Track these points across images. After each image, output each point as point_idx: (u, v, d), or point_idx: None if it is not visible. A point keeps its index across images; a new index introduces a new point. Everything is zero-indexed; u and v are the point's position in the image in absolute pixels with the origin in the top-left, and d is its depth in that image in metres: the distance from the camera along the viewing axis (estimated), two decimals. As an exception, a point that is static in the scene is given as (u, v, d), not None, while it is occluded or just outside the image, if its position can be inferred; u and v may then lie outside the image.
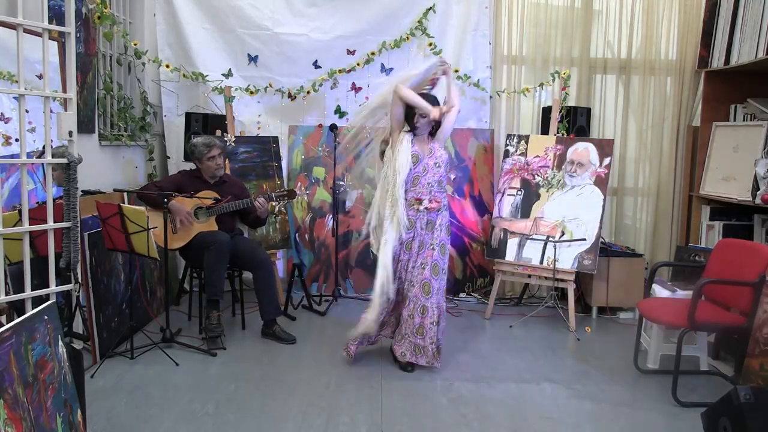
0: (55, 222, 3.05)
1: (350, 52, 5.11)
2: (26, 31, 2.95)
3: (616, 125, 5.22)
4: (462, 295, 5.12)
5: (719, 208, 4.50)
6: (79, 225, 3.14)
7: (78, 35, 3.76)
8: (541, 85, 5.13)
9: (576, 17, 5.10)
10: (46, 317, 2.07)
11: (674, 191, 5.13)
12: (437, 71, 3.66)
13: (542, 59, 5.15)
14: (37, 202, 3.36)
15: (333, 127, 4.70)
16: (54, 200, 3.10)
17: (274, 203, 4.19)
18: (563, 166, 4.66)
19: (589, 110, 4.97)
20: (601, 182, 4.54)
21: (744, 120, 4.46)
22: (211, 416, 2.95)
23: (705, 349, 3.68)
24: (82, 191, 3.40)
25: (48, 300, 2.72)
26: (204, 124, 4.68)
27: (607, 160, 4.57)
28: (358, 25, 5.08)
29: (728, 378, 3.52)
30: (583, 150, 4.65)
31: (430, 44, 5.07)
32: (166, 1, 4.95)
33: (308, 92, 5.10)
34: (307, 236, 5.09)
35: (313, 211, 5.10)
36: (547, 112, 4.96)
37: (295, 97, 5.10)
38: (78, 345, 3.11)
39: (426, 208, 3.49)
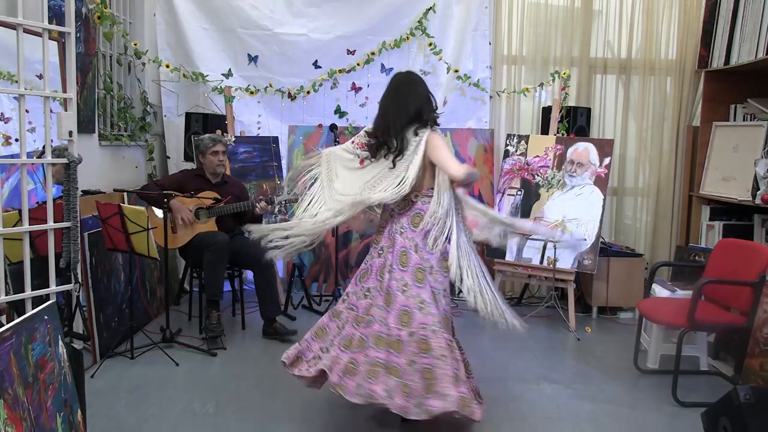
0: (55, 222, 3.05)
1: (350, 52, 5.11)
2: (26, 31, 2.95)
3: (616, 125, 5.22)
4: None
5: (719, 208, 4.50)
6: (79, 225, 3.14)
7: (78, 35, 3.76)
8: (541, 85, 5.12)
9: (576, 17, 5.10)
10: (46, 317, 2.07)
11: (674, 191, 5.13)
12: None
13: (542, 59, 5.14)
14: (37, 202, 3.35)
15: (333, 127, 4.70)
16: (54, 200, 3.10)
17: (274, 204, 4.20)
18: (563, 166, 4.66)
19: (589, 110, 4.96)
20: (601, 182, 4.54)
21: (744, 120, 4.46)
22: (211, 416, 2.95)
23: (705, 349, 3.68)
24: (82, 191, 3.39)
25: (48, 300, 2.72)
26: (204, 124, 4.68)
27: (607, 160, 4.57)
28: (358, 25, 5.08)
29: (728, 378, 3.52)
30: (583, 150, 4.65)
31: (430, 44, 5.07)
32: (166, 1, 4.94)
33: (308, 92, 5.10)
34: (307, 236, 5.08)
35: (313, 211, 5.09)
36: (547, 112, 4.96)
37: (295, 97, 5.10)
38: (78, 345, 3.11)
39: None
